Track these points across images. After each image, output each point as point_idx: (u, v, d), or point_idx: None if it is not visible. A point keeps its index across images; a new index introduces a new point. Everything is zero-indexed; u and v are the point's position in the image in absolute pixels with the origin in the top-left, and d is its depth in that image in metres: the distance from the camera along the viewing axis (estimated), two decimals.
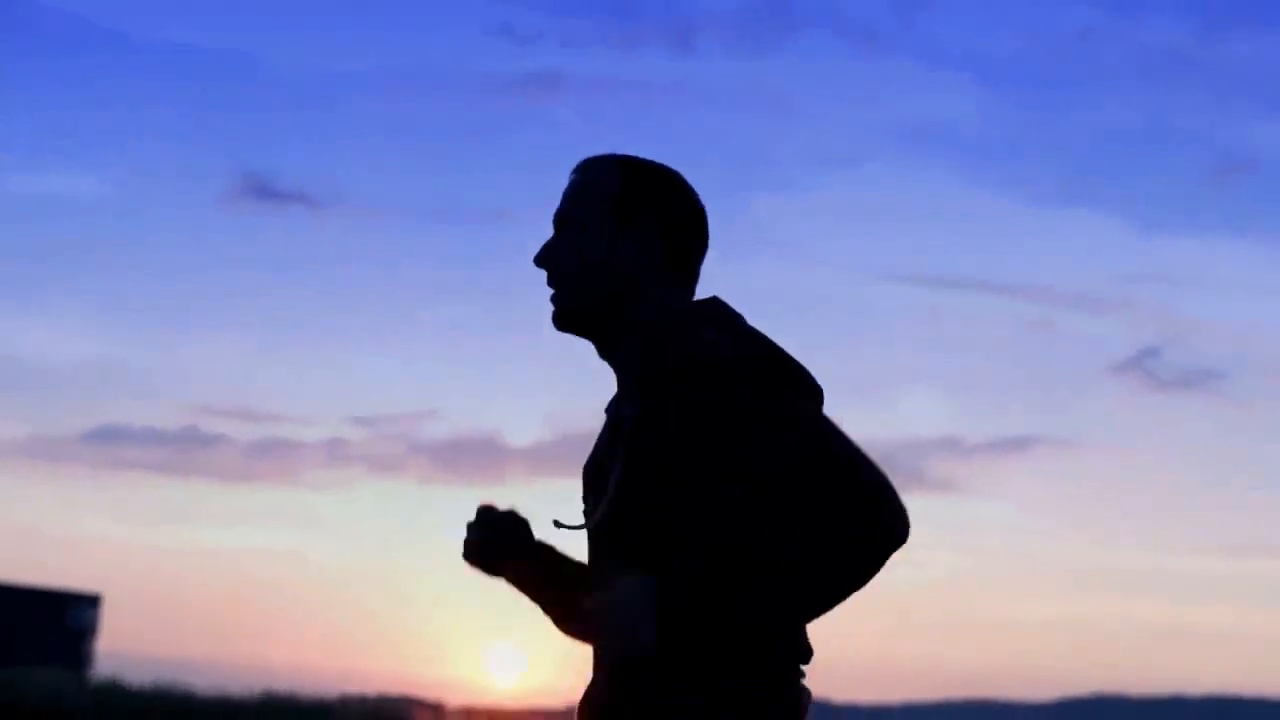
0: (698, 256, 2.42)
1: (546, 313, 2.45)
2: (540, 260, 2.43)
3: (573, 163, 2.46)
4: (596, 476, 2.39)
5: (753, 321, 2.35)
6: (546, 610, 2.46)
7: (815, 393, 2.23)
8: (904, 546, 2.15)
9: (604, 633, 2.20)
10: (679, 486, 2.21)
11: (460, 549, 2.43)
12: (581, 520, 2.42)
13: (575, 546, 2.45)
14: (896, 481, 2.14)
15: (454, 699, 35.06)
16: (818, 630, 2.29)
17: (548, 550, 2.44)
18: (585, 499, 2.43)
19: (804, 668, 2.28)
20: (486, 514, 2.42)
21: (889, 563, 2.13)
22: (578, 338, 2.44)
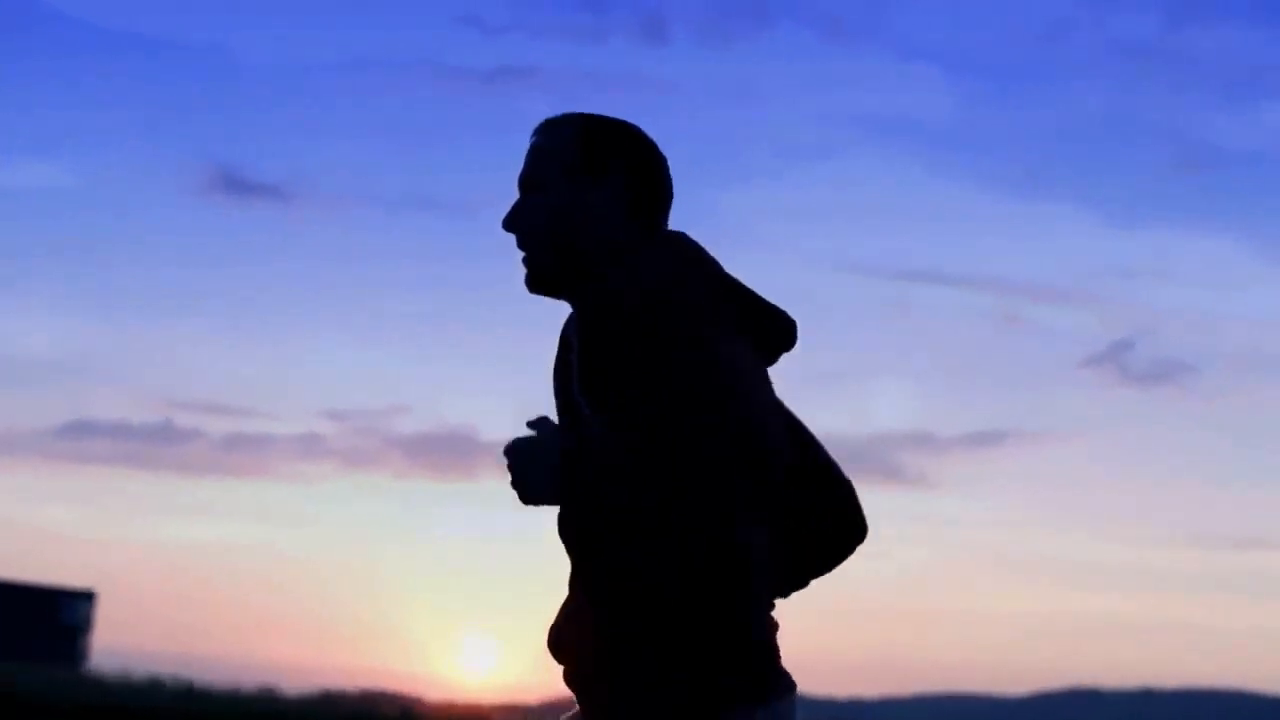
0: (663, 207, 2.45)
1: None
2: (508, 224, 2.45)
3: None
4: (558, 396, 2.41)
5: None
6: None
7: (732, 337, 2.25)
8: (871, 539, 2.15)
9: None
10: (613, 411, 2.20)
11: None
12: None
13: None
14: (867, 476, 2.14)
15: (431, 694, 35.05)
16: (792, 628, 2.29)
17: None
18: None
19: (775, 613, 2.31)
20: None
21: (856, 558, 2.12)
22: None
